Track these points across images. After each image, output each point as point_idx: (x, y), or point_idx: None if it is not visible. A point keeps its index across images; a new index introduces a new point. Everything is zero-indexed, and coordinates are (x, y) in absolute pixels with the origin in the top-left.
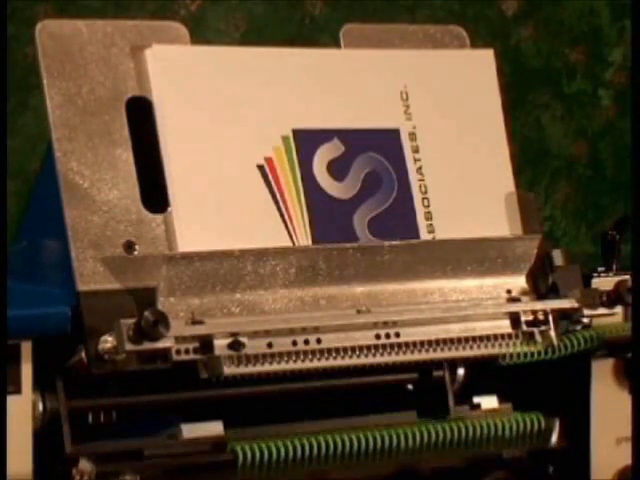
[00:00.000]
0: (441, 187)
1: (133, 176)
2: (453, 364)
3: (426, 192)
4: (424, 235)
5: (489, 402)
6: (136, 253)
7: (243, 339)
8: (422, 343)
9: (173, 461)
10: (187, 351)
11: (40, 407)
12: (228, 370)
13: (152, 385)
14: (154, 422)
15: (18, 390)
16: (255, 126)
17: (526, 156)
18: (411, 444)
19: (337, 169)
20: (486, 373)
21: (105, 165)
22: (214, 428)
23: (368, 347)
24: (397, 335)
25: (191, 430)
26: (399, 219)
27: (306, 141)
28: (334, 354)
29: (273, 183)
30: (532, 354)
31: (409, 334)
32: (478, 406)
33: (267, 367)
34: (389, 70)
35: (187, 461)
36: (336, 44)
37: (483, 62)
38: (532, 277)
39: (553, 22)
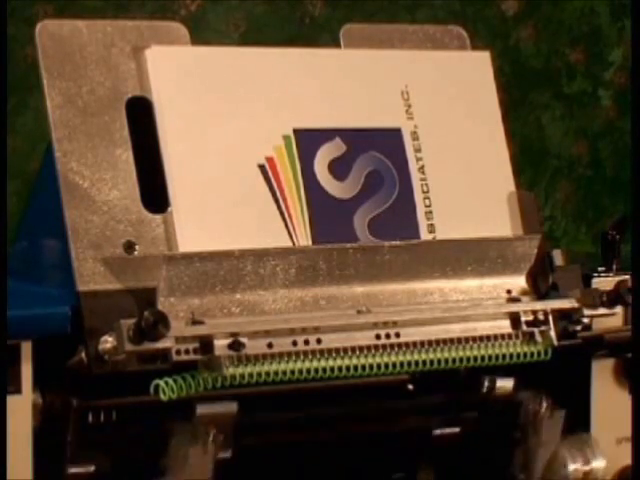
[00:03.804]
0: (442, 187)
1: (133, 176)
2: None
3: (427, 191)
4: (424, 235)
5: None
6: (136, 253)
7: (243, 339)
8: (422, 343)
9: None
10: (187, 351)
11: (40, 407)
12: (228, 370)
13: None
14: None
15: (18, 390)
16: (256, 125)
17: (526, 156)
18: None
19: (338, 168)
20: (486, 373)
21: (105, 165)
22: (229, 406)
23: (368, 347)
24: (397, 335)
25: (206, 408)
26: (400, 219)
27: (307, 140)
28: (334, 354)
29: (274, 183)
30: (532, 354)
31: (409, 334)
32: None
33: (267, 367)
34: (389, 70)
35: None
36: (336, 44)
37: (480, 63)
38: (532, 277)
39: (553, 22)
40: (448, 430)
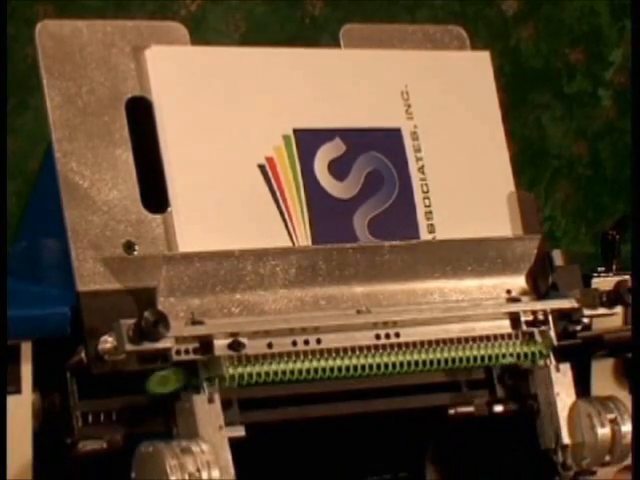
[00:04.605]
0: (442, 187)
1: (133, 176)
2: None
3: (427, 192)
4: (424, 235)
5: None
6: (136, 253)
7: (243, 339)
8: (422, 343)
9: None
10: (187, 351)
11: (40, 407)
12: (228, 370)
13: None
14: None
15: (18, 390)
16: (256, 126)
17: (526, 156)
18: None
19: (338, 169)
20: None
21: (105, 165)
22: None
23: (368, 347)
24: (397, 335)
25: None
26: (399, 219)
27: (307, 140)
28: (334, 354)
29: (274, 183)
30: (532, 354)
31: (409, 334)
32: None
33: (267, 367)
34: (389, 70)
35: None
36: (336, 44)
37: (480, 63)
38: (532, 277)
39: (553, 22)
40: (462, 409)
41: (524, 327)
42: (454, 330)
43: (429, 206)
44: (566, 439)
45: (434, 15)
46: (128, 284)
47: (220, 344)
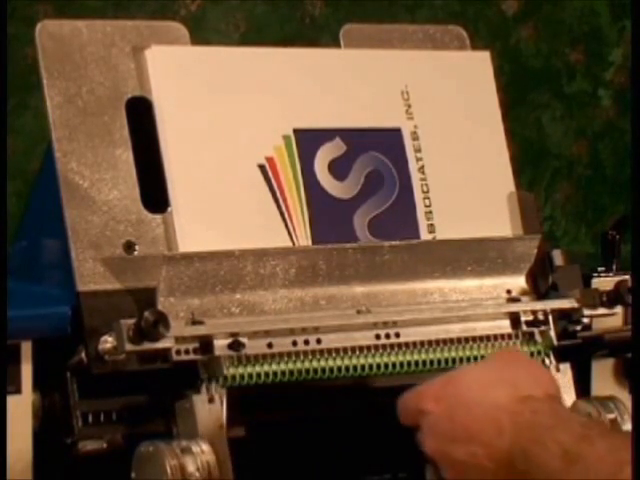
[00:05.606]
0: (442, 187)
1: (133, 176)
2: None
3: (427, 192)
4: (424, 235)
5: None
6: (136, 253)
7: (243, 339)
8: (422, 343)
9: None
10: (187, 351)
11: (40, 407)
12: (228, 370)
13: (152, 385)
14: None
15: (18, 390)
16: (256, 126)
17: (526, 156)
18: None
19: (338, 169)
20: None
21: (105, 165)
22: None
23: (368, 347)
24: (397, 335)
25: None
26: (400, 219)
27: (307, 140)
28: (334, 354)
29: (274, 183)
30: (532, 354)
31: (409, 334)
32: None
33: (267, 367)
34: (389, 70)
35: None
36: (336, 44)
37: (480, 63)
38: (532, 277)
39: (553, 22)
40: None
41: (524, 327)
42: (454, 330)
43: (429, 206)
44: None
45: (434, 15)
46: (128, 284)
47: (220, 344)
